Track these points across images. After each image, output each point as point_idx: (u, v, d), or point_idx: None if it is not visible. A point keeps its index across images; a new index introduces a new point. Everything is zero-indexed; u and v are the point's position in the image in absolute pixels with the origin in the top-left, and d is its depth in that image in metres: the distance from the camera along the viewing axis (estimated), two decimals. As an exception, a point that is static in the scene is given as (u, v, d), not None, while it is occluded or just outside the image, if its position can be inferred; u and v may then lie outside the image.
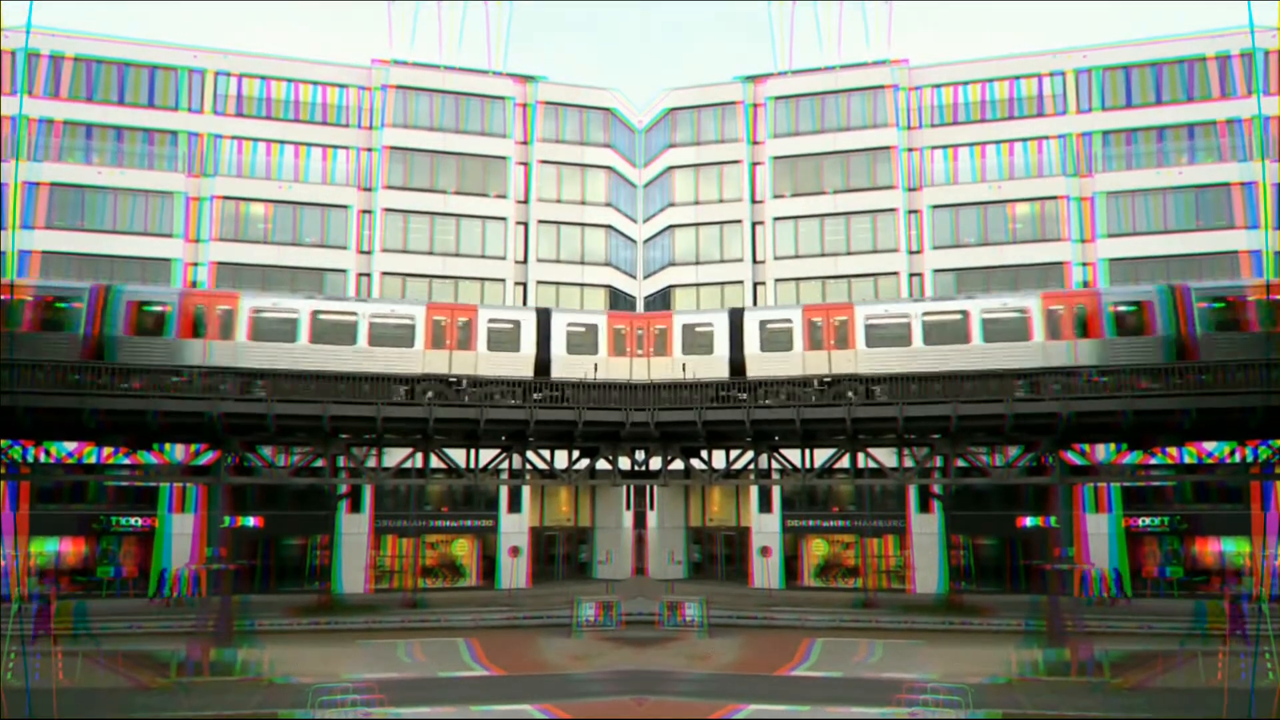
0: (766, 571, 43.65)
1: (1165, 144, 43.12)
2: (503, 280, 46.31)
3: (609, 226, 48.77)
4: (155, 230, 43.01)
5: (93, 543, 39.82)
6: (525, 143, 48.01)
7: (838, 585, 43.30)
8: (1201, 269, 40.29)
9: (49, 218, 41.84)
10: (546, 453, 34.11)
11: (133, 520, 40.06)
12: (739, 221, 47.94)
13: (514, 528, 44.22)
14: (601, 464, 33.88)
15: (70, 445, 34.17)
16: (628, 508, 47.41)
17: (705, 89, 49.63)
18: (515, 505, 44.45)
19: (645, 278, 51.23)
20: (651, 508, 47.97)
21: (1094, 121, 43.92)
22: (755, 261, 47.39)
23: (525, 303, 46.11)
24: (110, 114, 43.27)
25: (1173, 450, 32.75)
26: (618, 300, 48.75)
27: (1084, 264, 43.00)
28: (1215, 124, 42.41)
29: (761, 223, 47.53)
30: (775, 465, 33.38)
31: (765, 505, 44.57)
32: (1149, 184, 42.80)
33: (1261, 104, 41.54)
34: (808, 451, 33.51)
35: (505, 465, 33.93)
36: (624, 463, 34.01)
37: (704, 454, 33.72)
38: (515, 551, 43.44)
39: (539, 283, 46.84)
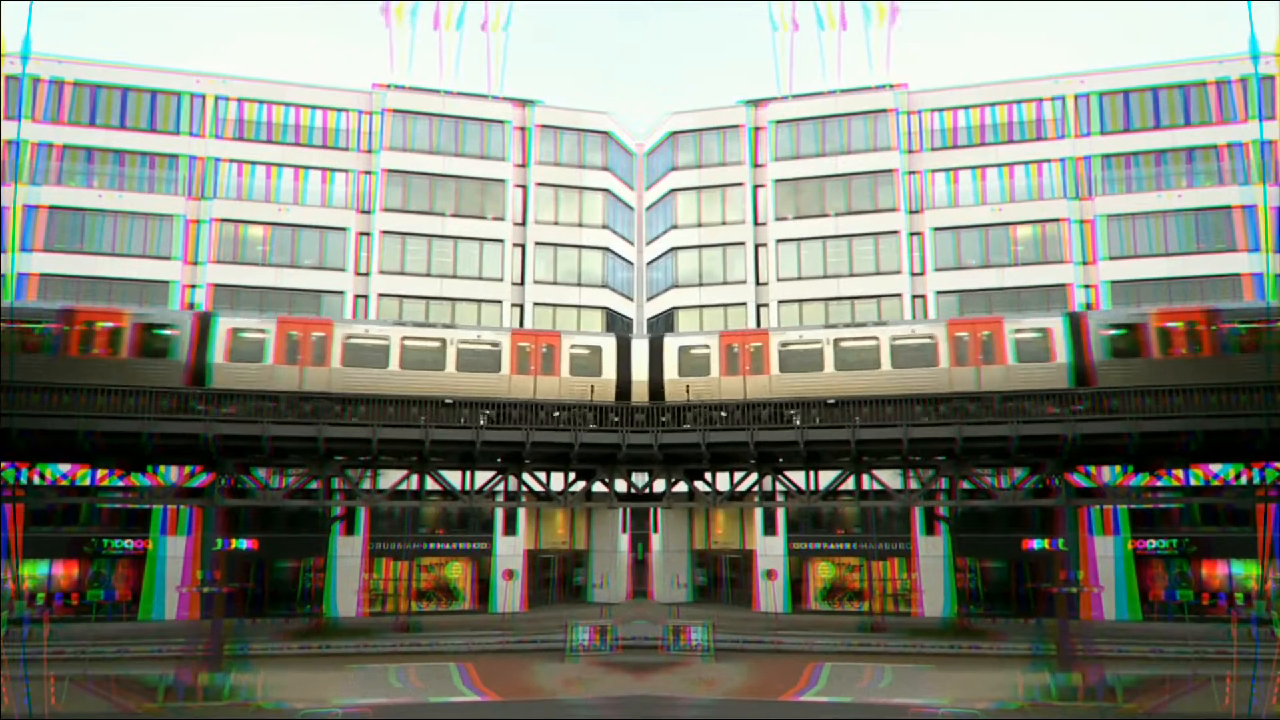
0: (772, 595, 43.21)
1: (1165, 167, 43.22)
2: (500, 302, 46.35)
3: (606, 249, 48.90)
4: (154, 253, 43.11)
5: (85, 566, 39.54)
6: (523, 165, 48.26)
7: (843, 609, 42.86)
8: (1203, 291, 40.31)
9: (48, 240, 41.93)
10: (542, 475, 33.96)
11: (125, 543, 39.77)
12: (742, 244, 48.00)
13: (509, 550, 43.93)
14: (598, 486, 33.73)
15: (64, 467, 34.06)
16: (624, 530, 47.18)
17: (707, 112, 49.88)
18: (511, 528, 44.20)
19: (649, 299, 51.22)
20: (655, 531, 47.60)
21: (1093, 145, 44.10)
22: (758, 283, 47.44)
23: (521, 324, 46.16)
24: (111, 138, 43.52)
25: (1179, 472, 32.66)
26: (614, 322, 48.78)
27: (1086, 286, 43.01)
28: (1215, 148, 42.54)
29: (764, 245, 47.58)
30: (779, 487, 33.16)
31: (770, 528, 44.20)
32: (1149, 207, 42.91)
33: (1263, 128, 41.59)
34: (812, 473, 33.32)
35: (501, 487, 33.78)
36: (620, 485, 33.87)
37: (708, 476, 33.53)
38: (510, 575, 43.13)
39: (536, 304, 46.90)
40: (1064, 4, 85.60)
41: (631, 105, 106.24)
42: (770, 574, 43.52)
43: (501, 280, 46.64)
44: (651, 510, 44.86)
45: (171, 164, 44.10)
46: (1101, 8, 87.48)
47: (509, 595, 42.90)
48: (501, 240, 47.05)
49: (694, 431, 30.35)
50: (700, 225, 48.91)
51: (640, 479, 33.73)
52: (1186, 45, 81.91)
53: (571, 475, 33.72)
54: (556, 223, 48.20)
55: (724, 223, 48.53)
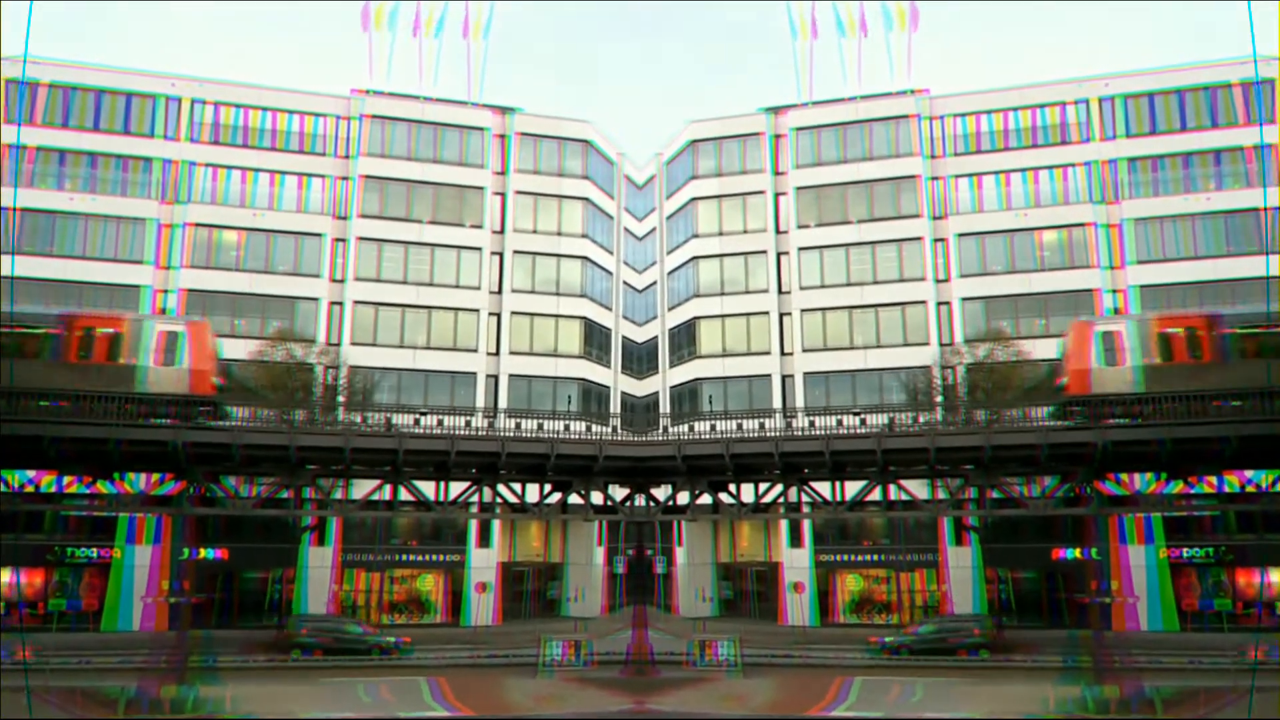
0: (799, 607, 42.60)
1: (1192, 170, 43.00)
2: (477, 311, 46.04)
3: (585, 258, 48.69)
4: (126, 257, 42.51)
5: (49, 574, 38.69)
6: (501, 173, 48.05)
7: (872, 621, 42.19)
8: (1234, 294, 39.53)
9: (19, 243, 41.20)
10: (518, 486, 33.67)
11: (90, 551, 38.97)
12: (764, 252, 47.71)
13: (483, 563, 43.51)
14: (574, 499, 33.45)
15: (29, 473, 33.31)
16: (599, 544, 46.86)
17: (727, 120, 49.66)
18: (485, 540, 43.80)
19: (670, 309, 50.87)
20: (679, 543, 46.96)
21: (1119, 148, 43.95)
22: (781, 292, 47.13)
23: (500, 332, 45.90)
24: (85, 140, 42.93)
25: (1212, 479, 32.36)
26: (593, 332, 48.52)
27: (1114, 291, 42.80)
28: (1242, 149, 42.30)
29: (786, 253, 47.27)
30: (805, 498, 32.69)
31: (796, 539, 43.71)
32: (1177, 210, 42.74)
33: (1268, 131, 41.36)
34: (838, 484, 32.93)
35: (475, 498, 33.43)
36: (597, 498, 33.63)
37: (732, 488, 33.13)
38: (483, 587, 42.70)
39: (513, 313, 46.61)
40: (1086, 5, 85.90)
41: (629, 112, 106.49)
42: (797, 586, 42.83)
43: (479, 288, 46.33)
44: (676, 523, 44.06)
45: (145, 167, 43.54)
46: (1125, 8, 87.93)
47: (482, 608, 42.47)
48: (479, 248, 46.77)
49: (718, 442, 30.03)
50: (721, 234, 48.48)
51: (615, 491, 33.50)
52: (1213, 44, 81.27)
53: (547, 487, 33.49)
54: (535, 231, 47.96)
55: (745, 231, 48.14)
